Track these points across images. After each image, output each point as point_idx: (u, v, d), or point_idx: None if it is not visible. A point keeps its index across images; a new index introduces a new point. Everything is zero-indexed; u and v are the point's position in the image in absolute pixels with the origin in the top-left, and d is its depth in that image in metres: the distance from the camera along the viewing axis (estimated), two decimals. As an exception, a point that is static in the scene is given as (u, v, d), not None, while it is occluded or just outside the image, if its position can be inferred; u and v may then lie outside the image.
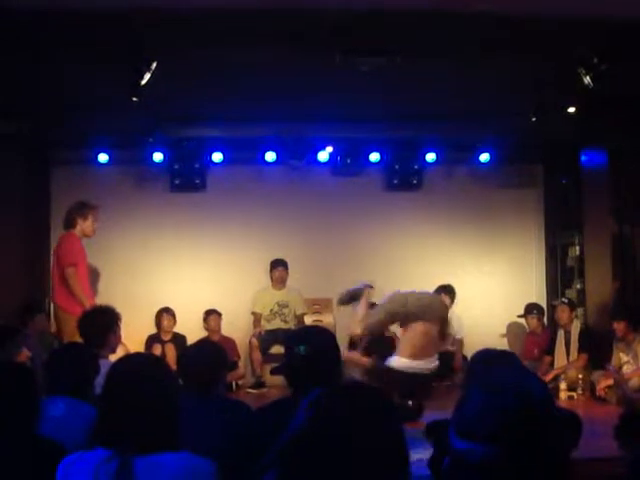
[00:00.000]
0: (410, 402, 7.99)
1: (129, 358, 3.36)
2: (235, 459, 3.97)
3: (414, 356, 8.35)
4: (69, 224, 9.22)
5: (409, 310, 8.45)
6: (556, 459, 2.01)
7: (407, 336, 8.52)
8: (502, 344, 11.31)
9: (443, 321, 8.70)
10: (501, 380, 2.09)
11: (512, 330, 11.95)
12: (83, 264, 9.14)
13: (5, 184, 10.06)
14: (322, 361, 3.88)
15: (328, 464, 2.16)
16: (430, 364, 8.48)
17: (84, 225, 9.18)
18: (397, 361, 8.38)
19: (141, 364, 3.11)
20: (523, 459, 1.95)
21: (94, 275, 10.63)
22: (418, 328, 8.39)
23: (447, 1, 6.51)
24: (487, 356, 4.13)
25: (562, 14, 6.57)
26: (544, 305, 11.78)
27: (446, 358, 11.12)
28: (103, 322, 6.21)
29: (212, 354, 4.74)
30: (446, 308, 9.36)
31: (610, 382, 9.41)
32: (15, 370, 3.77)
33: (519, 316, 11.49)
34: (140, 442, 2.79)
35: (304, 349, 3.86)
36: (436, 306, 8.81)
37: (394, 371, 8.30)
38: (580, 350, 10.26)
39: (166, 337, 10.92)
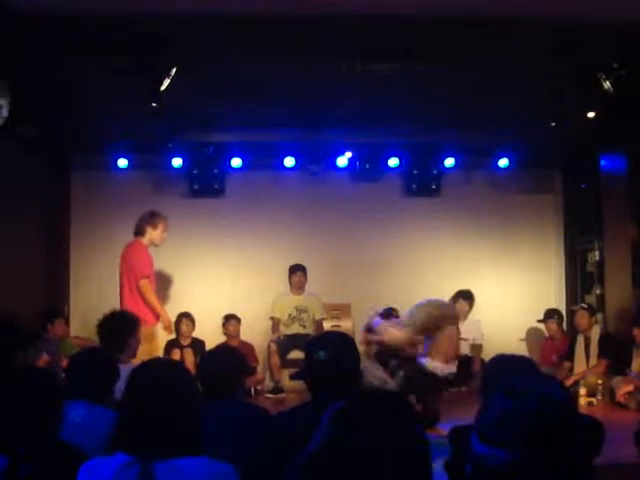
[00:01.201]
0: (423, 407, 8.15)
1: (150, 363, 3.36)
2: (255, 464, 3.98)
3: (446, 360, 8.51)
4: (139, 232, 9.32)
5: (436, 318, 8.53)
6: (578, 465, 2.00)
7: (438, 341, 8.58)
8: (521, 349, 11.28)
9: (458, 323, 8.92)
10: (523, 385, 2.09)
11: (531, 335, 11.93)
12: (153, 274, 9.29)
13: (26, 189, 10.11)
14: (342, 366, 3.87)
15: (354, 476, 2.17)
16: (452, 368, 8.61)
17: (153, 234, 9.32)
18: (429, 363, 8.50)
19: (162, 369, 3.11)
20: (545, 465, 1.95)
21: (114, 281, 10.65)
22: (446, 333, 8.47)
23: (466, 7, 6.50)
24: (504, 362, 4.12)
25: (582, 19, 6.55)
26: (563, 310, 11.74)
27: (465, 363, 11.13)
28: (123, 327, 6.22)
29: (231, 359, 4.73)
30: (457, 311, 9.64)
31: (630, 388, 9.37)
32: (39, 375, 3.78)
33: (539, 321, 11.46)
34: (161, 447, 2.80)
35: (324, 354, 3.86)
36: (453, 310, 9.10)
37: (426, 371, 8.44)
38: (600, 356, 10.21)
39: (185, 342, 10.95)
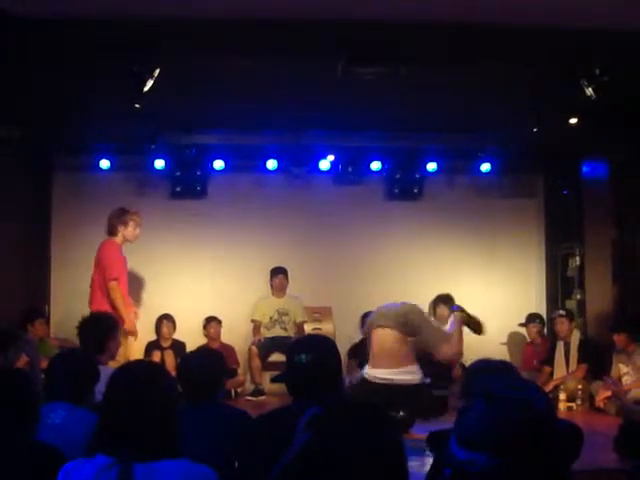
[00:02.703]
0: (401, 413, 7.69)
1: (130, 365, 3.36)
2: (234, 467, 3.98)
3: (373, 365, 8.14)
4: (110, 231, 9.19)
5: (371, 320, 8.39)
6: (557, 470, 2.01)
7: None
8: (502, 353, 11.31)
9: (403, 326, 8.18)
10: (503, 390, 2.10)
11: (512, 339, 11.96)
12: (124, 274, 9.14)
13: (7, 190, 10.05)
14: (323, 370, 3.87)
15: None
16: (405, 375, 8.15)
17: (125, 232, 9.19)
18: (367, 371, 8.21)
19: (142, 372, 3.10)
20: (524, 469, 1.95)
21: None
22: (373, 335, 8.24)
23: (449, 12, 6.53)
24: (486, 366, 4.13)
25: (565, 26, 6.59)
26: (544, 315, 11.78)
27: (444, 368, 11.14)
28: (103, 328, 6.18)
29: (211, 361, 4.73)
30: (406, 313, 8.37)
31: (609, 393, 9.41)
32: (14, 376, 3.76)
33: (520, 325, 11.50)
34: (140, 449, 2.79)
35: (305, 358, 3.86)
36: (392, 311, 8.32)
37: (366, 382, 8.08)
38: (579, 361, 10.26)
39: (165, 344, 10.93)
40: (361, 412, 2.38)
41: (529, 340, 11.42)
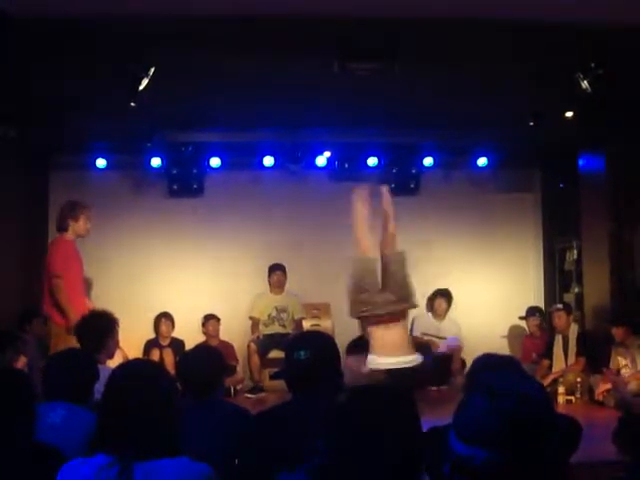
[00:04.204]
0: None
1: (129, 364, 3.36)
2: (234, 464, 3.98)
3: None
4: (60, 227, 8.72)
5: None
6: (556, 464, 2.02)
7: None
8: (502, 346, 11.34)
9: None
10: (502, 385, 2.10)
11: (512, 332, 11.98)
12: (75, 269, 8.62)
13: (4, 188, 10.05)
14: (322, 366, 3.88)
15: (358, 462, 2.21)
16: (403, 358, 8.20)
17: (76, 226, 8.65)
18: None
19: (141, 370, 3.11)
20: (523, 463, 1.96)
21: (92, 280, 10.61)
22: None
23: (445, 9, 6.52)
24: (489, 361, 4.13)
25: (560, 20, 6.58)
26: (542, 308, 11.79)
27: (444, 362, 11.18)
28: (100, 327, 6.17)
29: (210, 359, 4.74)
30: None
31: (608, 386, 9.42)
32: (10, 376, 3.76)
33: (521, 318, 11.51)
34: (140, 448, 2.79)
35: (304, 354, 3.86)
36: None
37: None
38: (578, 354, 10.26)
39: (164, 342, 10.93)
40: (383, 393, 2.49)
41: (528, 333, 11.43)
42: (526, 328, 11.53)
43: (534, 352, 11.02)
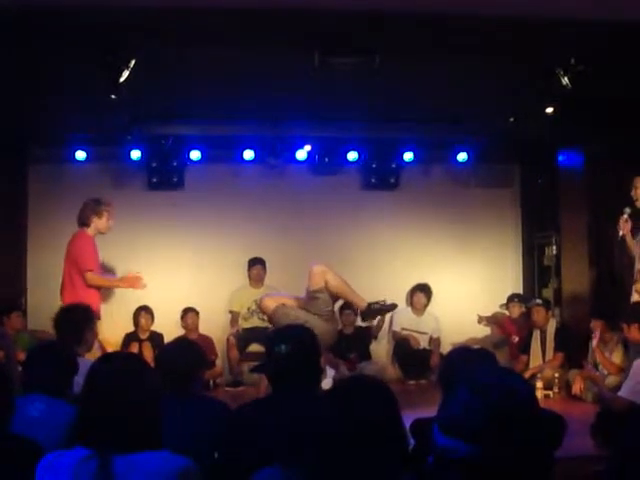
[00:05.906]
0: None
1: (110, 357, 3.34)
2: (214, 458, 3.98)
3: None
4: (83, 222, 8.93)
5: None
6: (540, 457, 2.03)
7: None
8: (481, 342, 11.37)
9: None
10: (486, 379, 2.11)
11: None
12: (98, 264, 9.00)
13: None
14: (303, 360, 3.88)
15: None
16: None
17: (99, 223, 8.92)
18: None
19: (122, 363, 3.09)
20: (507, 457, 1.96)
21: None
22: None
23: (425, 4, 6.52)
24: (465, 353, 4.15)
25: (540, 16, 6.60)
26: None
27: (423, 356, 11.23)
28: (79, 319, 6.15)
29: (189, 352, 4.73)
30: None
31: (582, 383, 9.44)
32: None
33: (501, 305, 11.53)
34: (120, 441, 2.78)
35: (285, 348, 3.86)
36: None
37: None
38: (556, 349, 10.29)
39: (143, 335, 10.91)
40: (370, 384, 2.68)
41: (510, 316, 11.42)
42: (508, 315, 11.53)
43: (513, 334, 11.04)
